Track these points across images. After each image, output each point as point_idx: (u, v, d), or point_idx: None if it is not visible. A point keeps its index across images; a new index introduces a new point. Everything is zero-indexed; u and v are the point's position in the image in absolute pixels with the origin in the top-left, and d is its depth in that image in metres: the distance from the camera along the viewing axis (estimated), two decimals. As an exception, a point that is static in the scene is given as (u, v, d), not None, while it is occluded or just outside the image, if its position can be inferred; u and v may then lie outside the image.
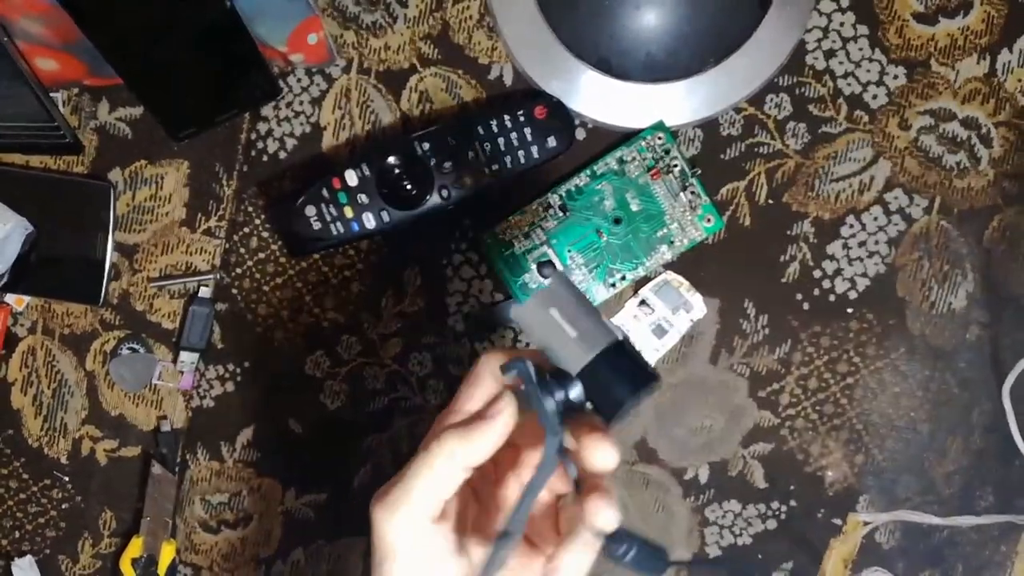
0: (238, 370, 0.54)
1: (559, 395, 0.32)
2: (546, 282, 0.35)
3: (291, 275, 0.54)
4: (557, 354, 0.34)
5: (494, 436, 0.32)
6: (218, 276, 0.54)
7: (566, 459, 0.33)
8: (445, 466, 0.32)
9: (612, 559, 0.33)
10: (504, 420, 0.32)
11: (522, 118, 0.50)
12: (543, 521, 0.35)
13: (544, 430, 0.32)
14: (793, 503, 0.54)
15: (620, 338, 0.34)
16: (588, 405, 0.34)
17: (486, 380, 0.34)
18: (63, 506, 0.56)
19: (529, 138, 0.50)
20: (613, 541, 0.33)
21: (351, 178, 0.50)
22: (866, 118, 0.52)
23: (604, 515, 0.31)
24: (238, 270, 0.54)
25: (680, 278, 0.53)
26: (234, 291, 0.54)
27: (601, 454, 0.32)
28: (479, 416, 0.32)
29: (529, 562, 0.34)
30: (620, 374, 0.33)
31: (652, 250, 0.52)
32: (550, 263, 0.35)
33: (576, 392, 0.33)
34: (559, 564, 0.32)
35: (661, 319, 0.53)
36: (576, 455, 0.33)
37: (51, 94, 0.52)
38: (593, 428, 0.32)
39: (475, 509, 0.36)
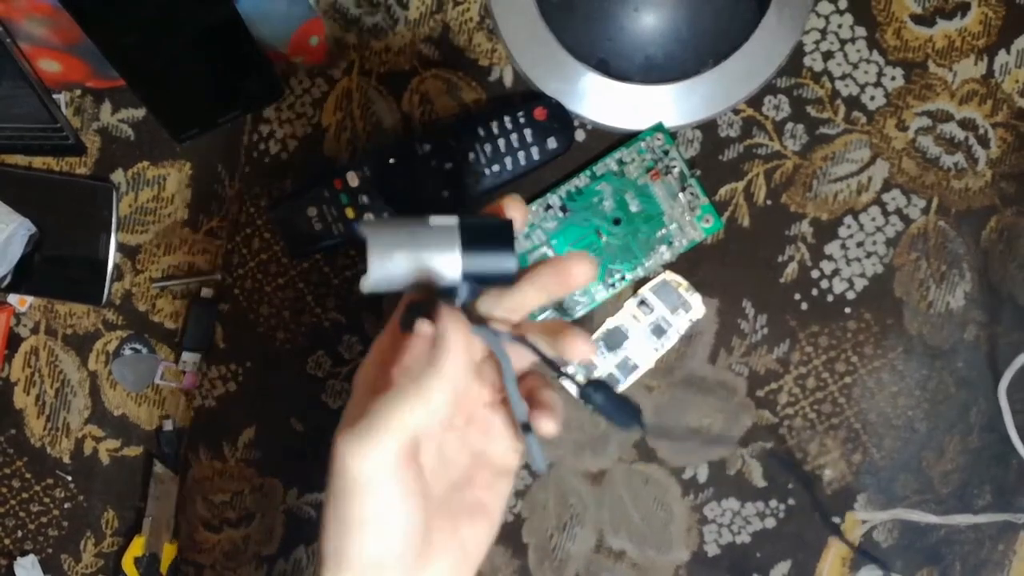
0: (240, 370, 0.55)
1: (459, 303, 0.33)
2: (366, 229, 0.34)
3: (293, 275, 0.54)
4: (431, 278, 0.33)
5: (457, 362, 0.32)
6: (220, 276, 0.54)
7: (510, 338, 0.34)
8: (416, 400, 0.31)
9: (586, 402, 0.35)
10: (458, 341, 0.32)
11: (522, 119, 0.51)
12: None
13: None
14: (791, 501, 0.54)
15: (457, 223, 0.34)
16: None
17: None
18: (66, 505, 0.56)
19: (529, 139, 0.51)
20: (591, 388, 0.35)
21: (352, 179, 0.50)
22: (864, 119, 0.52)
23: (578, 346, 0.33)
24: (240, 270, 0.54)
25: (679, 278, 0.53)
26: (236, 291, 0.54)
27: (577, 348, 0.34)
28: (437, 347, 0.32)
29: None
30: (490, 248, 0.34)
31: (651, 250, 0.52)
32: (353, 226, 0.34)
33: (465, 292, 0.33)
34: (538, 401, 0.35)
35: (660, 319, 0.53)
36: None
37: (54, 96, 0.52)
38: (564, 335, 0.34)
39: None
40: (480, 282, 0.34)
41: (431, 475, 0.35)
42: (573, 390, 0.37)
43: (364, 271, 0.33)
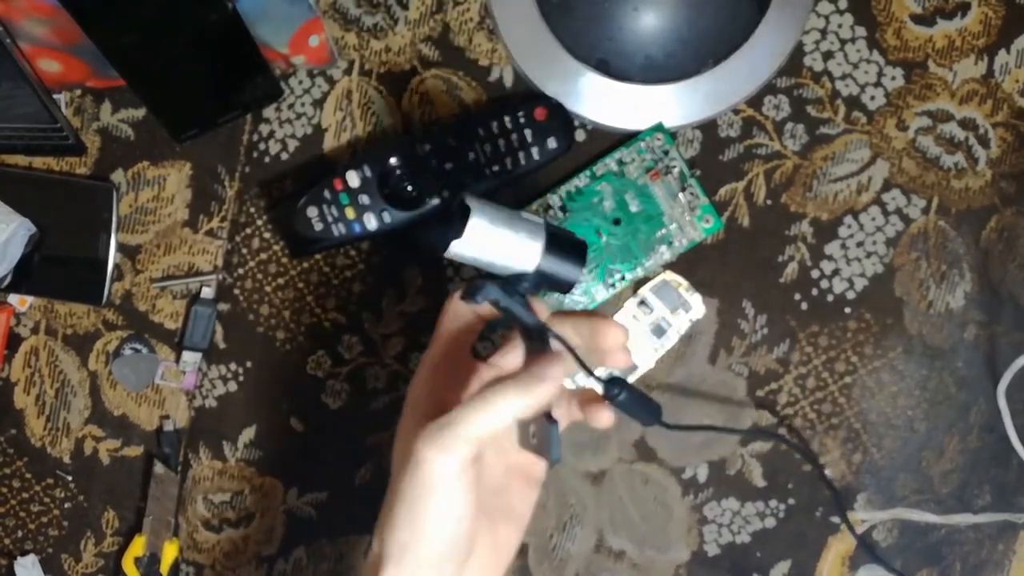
0: (240, 370, 0.55)
1: (523, 287, 0.37)
2: (472, 202, 0.37)
3: (293, 275, 0.54)
4: (506, 264, 0.38)
5: (548, 395, 0.34)
6: (220, 276, 0.54)
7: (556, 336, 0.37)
8: (500, 413, 0.34)
9: (608, 399, 0.38)
10: (557, 381, 0.35)
11: (522, 119, 0.50)
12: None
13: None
14: (791, 501, 0.54)
15: (544, 223, 0.38)
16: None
17: (463, 312, 0.39)
18: (66, 505, 0.56)
19: (529, 139, 0.51)
20: (612, 385, 0.38)
21: (352, 179, 0.50)
22: (864, 119, 0.52)
23: (615, 335, 0.37)
24: (240, 270, 0.54)
25: (679, 278, 0.53)
26: (236, 291, 0.54)
27: (613, 337, 0.38)
28: (536, 376, 0.35)
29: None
30: (565, 256, 0.38)
31: (651, 250, 0.52)
32: (460, 197, 0.38)
33: (528, 285, 0.37)
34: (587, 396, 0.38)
35: (660, 319, 0.53)
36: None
37: (54, 96, 0.52)
38: (601, 324, 0.38)
39: None
40: (544, 281, 0.37)
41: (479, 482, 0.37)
42: (598, 388, 0.39)
43: (455, 236, 0.37)
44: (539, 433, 0.36)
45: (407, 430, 0.38)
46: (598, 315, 0.39)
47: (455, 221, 0.37)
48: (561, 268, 0.38)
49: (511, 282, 0.37)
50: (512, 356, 0.40)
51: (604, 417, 0.38)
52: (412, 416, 0.39)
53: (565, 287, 0.38)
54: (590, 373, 0.38)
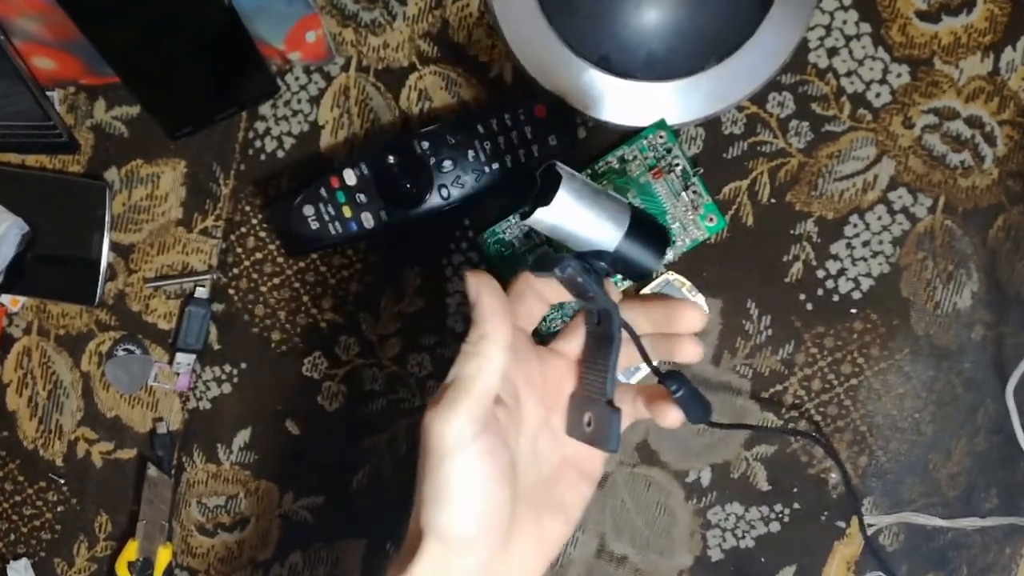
0: (235, 371, 0.54)
1: (599, 270, 0.36)
2: (563, 171, 0.37)
3: (289, 275, 0.53)
4: (587, 240, 0.36)
5: (509, 330, 0.35)
6: (215, 276, 0.54)
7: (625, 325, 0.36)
8: (489, 360, 0.34)
9: (670, 390, 0.37)
10: (508, 314, 0.35)
11: (522, 117, 0.50)
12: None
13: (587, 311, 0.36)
14: (796, 505, 0.53)
15: (631, 206, 0.37)
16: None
17: (528, 296, 0.38)
18: (58, 509, 0.55)
19: (529, 137, 0.50)
20: (671, 379, 0.37)
21: (349, 177, 0.50)
22: (869, 117, 0.52)
23: (692, 348, 0.38)
24: (235, 270, 0.54)
25: (682, 278, 0.52)
26: (231, 291, 0.54)
27: (690, 319, 0.38)
28: (487, 313, 0.35)
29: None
30: (645, 243, 0.37)
31: (654, 250, 0.52)
32: (550, 163, 0.37)
33: (602, 265, 0.36)
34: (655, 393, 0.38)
35: (663, 319, 0.52)
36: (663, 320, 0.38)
37: (47, 93, 0.52)
38: (678, 306, 0.38)
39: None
40: (619, 264, 0.36)
41: (524, 468, 0.38)
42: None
43: (542, 203, 0.36)
44: (598, 420, 0.35)
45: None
46: (673, 299, 0.38)
47: (544, 188, 0.36)
48: (640, 254, 0.37)
49: (589, 258, 0.36)
50: (576, 341, 0.39)
51: (672, 416, 0.37)
52: None
53: (640, 274, 0.38)
54: (651, 365, 0.37)
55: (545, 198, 0.36)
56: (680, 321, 0.38)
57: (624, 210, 0.37)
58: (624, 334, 0.36)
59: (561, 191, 0.36)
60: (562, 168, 0.37)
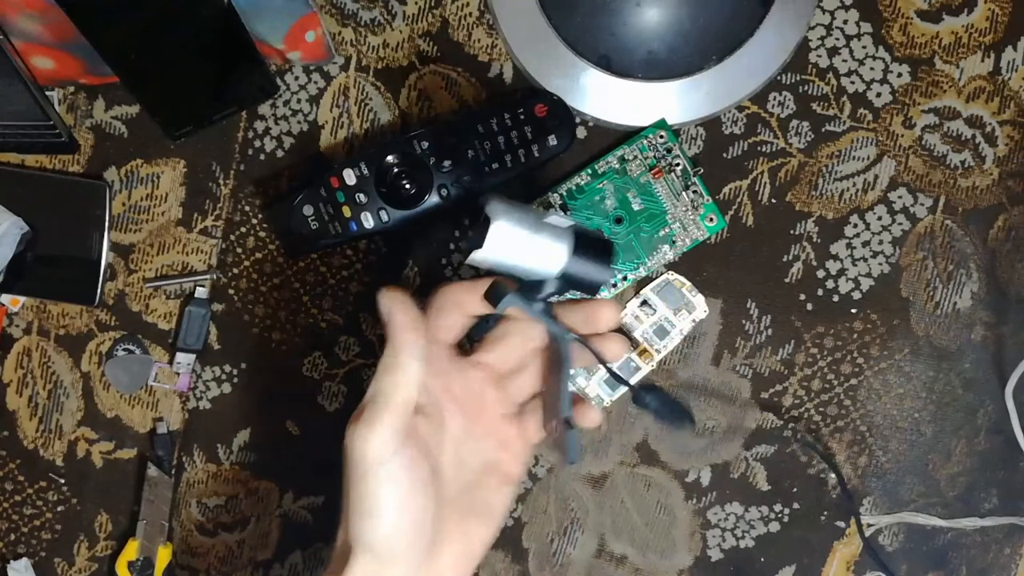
0: (235, 371, 0.54)
1: (541, 299, 0.37)
2: (494, 209, 0.37)
3: (289, 275, 0.53)
4: (530, 269, 0.37)
5: (421, 344, 0.36)
6: (215, 276, 0.54)
7: (580, 343, 0.38)
8: (406, 371, 0.35)
9: (639, 407, 0.39)
10: (420, 327, 0.36)
11: (522, 116, 0.50)
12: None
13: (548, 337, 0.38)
14: (796, 505, 0.53)
15: (573, 226, 0.38)
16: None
17: (447, 311, 0.39)
18: (59, 508, 0.55)
19: (529, 136, 0.50)
20: (641, 391, 0.39)
21: (349, 177, 0.50)
22: (870, 116, 0.52)
23: (614, 347, 0.39)
24: (235, 270, 0.53)
25: (682, 278, 0.52)
26: (231, 291, 0.54)
27: (608, 316, 0.39)
28: (400, 327, 0.36)
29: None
30: (592, 258, 0.37)
31: (654, 250, 0.51)
32: (483, 200, 0.37)
33: (552, 288, 0.37)
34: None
35: (663, 320, 0.52)
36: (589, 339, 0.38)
37: (47, 93, 0.52)
38: (594, 306, 0.39)
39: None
40: (571, 284, 0.37)
41: (448, 476, 0.39)
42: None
43: (475, 246, 0.36)
44: (560, 434, 0.36)
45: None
46: (588, 300, 0.39)
47: (478, 229, 0.37)
48: (588, 270, 0.37)
49: (530, 288, 0.37)
50: (496, 352, 0.41)
51: (590, 416, 0.39)
52: None
53: (592, 289, 0.38)
54: (620, 379, 0.39)
55: (479, 240, 0.36)
56: (599, 319, 0.39)
57: (565, 233, 0.37)
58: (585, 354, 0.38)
59: (493, 231, 0.36)
60: (495, 204, 0.36)
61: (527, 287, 0.37)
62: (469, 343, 0.41)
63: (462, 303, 0.39)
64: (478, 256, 0.37)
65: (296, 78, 0.52)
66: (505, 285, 0.36)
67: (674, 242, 0.51)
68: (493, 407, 0.41)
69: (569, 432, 0.36)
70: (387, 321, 0.36)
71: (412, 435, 0.36)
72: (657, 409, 0.39)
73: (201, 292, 0.53)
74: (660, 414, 0.39)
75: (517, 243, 0.36)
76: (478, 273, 0.50)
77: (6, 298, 0.54)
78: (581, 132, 0.52)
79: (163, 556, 0.54)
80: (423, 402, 0.37)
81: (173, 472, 0.54)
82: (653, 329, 0.52)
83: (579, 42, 0.50)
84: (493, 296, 0.36)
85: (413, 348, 0.36)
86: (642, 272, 0.52)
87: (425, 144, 0.49)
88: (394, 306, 0.36)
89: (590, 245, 0.38)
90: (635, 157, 0.51)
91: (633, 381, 0.52)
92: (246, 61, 0.49)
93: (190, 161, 0.53)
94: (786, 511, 0.53)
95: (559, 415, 0.37)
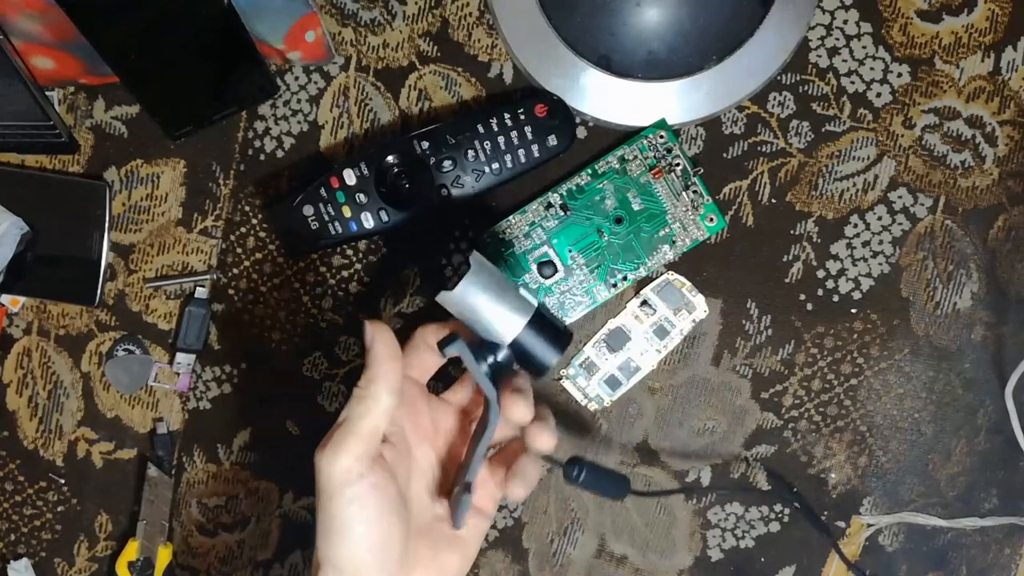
0: (235, 371, 0.54)
1: (490, 360, 0.39)
2: (476, 260, 0.40)
3: (289, 275, 0.53)
4: (487, 328, 0.40)
5: (392, 366, 0.38)
6: (215, 276, 0.54)
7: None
8: (376, 403, 0.37)
9: (569, 482, 0.41)
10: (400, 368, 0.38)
11: (522, 116, 0.50)
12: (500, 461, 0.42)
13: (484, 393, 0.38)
14: (796, 505, 0.53)
15: (537, 305, 0.40)
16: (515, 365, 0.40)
17: (422, 350, 0.42)
18: (59, 508, 0.55)
19: (529, 136, 0.50)
20: (568, 466, 0.41)
21: (349, 177, 0.50)
22: (870, 116, 0.52)
23: (542, 438, 0.39)
24: (235, 270, 0.53)
25: (682, 278, 0.52)
26: (231, 292, 0.54)
27: (519, 411, 0.38)
28: (378, 358, 0.38)
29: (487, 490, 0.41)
30: (545, 339, 0.40)
31: (654, 250, 0.51)
32: (470, 248, 0.41)
33: (503, 356, 0.39)
34: (514, 470, 0.39)
35: (663, 320, 0.52)
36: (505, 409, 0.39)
37: (47, 93, 0.52)
38: (515, 390, 0.39)
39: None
40: (519, 356, 0.39)
41: (419, 507, 0.40)
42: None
43: (448, 287, 0.39)
44: (456, 496, 0.38)
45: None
46: (515, 391, 0.39)
47: (454, 273, 0.39)
48: (537, 348, 0.40)
49: (484, 346, 0.39)
50: (464, 393, 0.43)
51: (514, 492, 0.40)
52: None
53: (536, 369, 0.40)
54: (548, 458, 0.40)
55: (451, 284, 0.39)
56: (511, 411, 0.39)
57: (528, 308, 0.40)
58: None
59: (465, 282, 0.39)
60: (478, 257, 0.40)
61: (483, 345, 0.39)
62: (441, 386, 0.42)
63: (434, 345, 0.41)
64: (445, 297, 0.39)
65: (296, 78, 0.52)
66: (460, 335, 0.38)
67: (674, 242, 0.51)
68: (462, 444, 0.42)
69: (464, 497, 0.38)
70: (368, 349, 0.38)
71: (379, 461, 0.37)
72: (586, 482, 0.41)
73: (201, 292, 0.53)
74: (592, 487, 0.41)
75: (482, 298, 0.39)
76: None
77: (6, 298, 0.54)
78: (581, 132, 0.52)
79: (163, 556, 0.54)
80: (390, 431, 0.39)
81: (173, 472, 0.54)
82: (653, 329, 0.52)
83: (579, 42, 0.50)
84: (443, 340, 0.38)
85: (388, 379, 0.37)
86: (642, 272, 0.52)
87: (425, 144, 0.49)
88: (376, 336, 0.38)
89: (546, 326, 0.40)
90: (635, 157, 0.51)
91: (633, 381, 0.52)
92: (246, 61, 0.49)
93: (190, 161, 0.53)
94: (786, 511, 0.53)
95: (462, 478, 0.39)
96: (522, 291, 0.41)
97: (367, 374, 0.37)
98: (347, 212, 0.50)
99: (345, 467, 0.36)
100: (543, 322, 0.40)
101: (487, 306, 0.39)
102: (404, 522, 0.38)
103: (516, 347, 0.39)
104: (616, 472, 0.42)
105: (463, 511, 0.38)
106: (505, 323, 0.39)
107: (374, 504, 0.36)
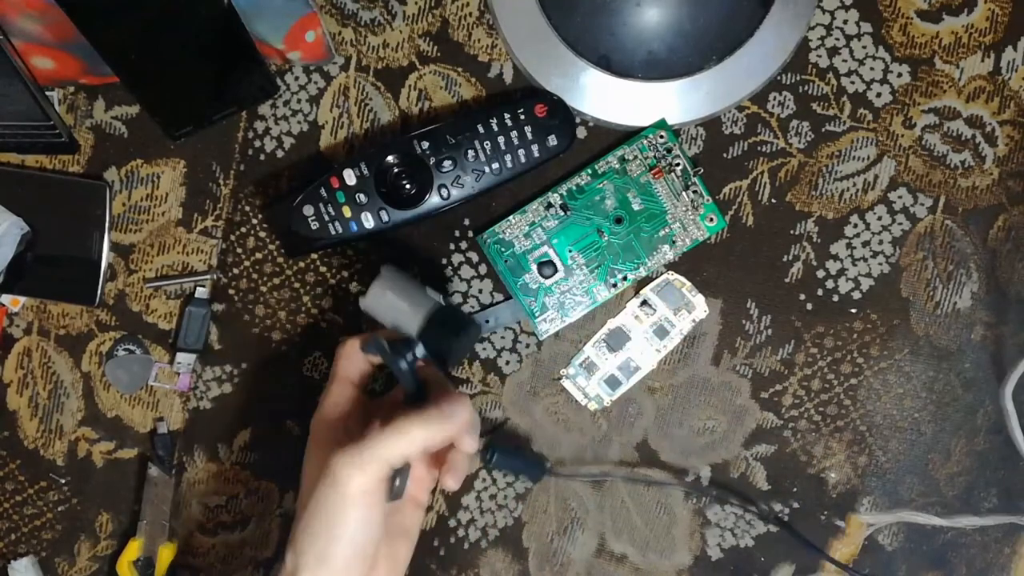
0: (235, 371, 0.54)
1: (409, 356, 0.43)
2: (385, 271, 0.46)
3: (289, 275, 0.53)
4: (401, 326, 0.45)
5: (452, 430, 0.42)
6: (215, 276, 0.54)
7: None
8: (413, 442, 0.40)
9: (485, 465, 0.48)
10: (462, 419, 0.42)
11: (522, 116, 0.50)
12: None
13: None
14: (795, 504, 0.53)
15: (440, 302, 0.46)
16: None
17: (356, 357, 0.46)
18: (60, 508, 0.55)
19: (529, 136, 0.50)
20: (483, 451, 0.47)
21: (349, 177, 0.50)
22: (870, 116, 0.52)
23: (464, 441, 0.43)
24: (235, 270, 0.53)
25: (682, 278, 0.52)
26: (231, 292, 0.54)
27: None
28: (445, 413, 0.41)
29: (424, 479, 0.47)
30: (445, 329, 0.44)
31: (654, 250, 0.51)
32: (386, 265, 0.47)
33: (420, 351, 0.43)
34: (449, 463, 0.44)
35: (663, 319, 0.52)
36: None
37: (47, 93, 0.52)
38: (440, 386, 0.44)
39: None
40: (430, 353, 0.43)
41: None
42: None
43: (361, 295, 0.46)
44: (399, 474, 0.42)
45: (316, 455, 0.44)
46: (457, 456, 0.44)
47: (369, 284, 0.46)
48: (435, 343, 0.44)
49: (401, 343, 0.43)
50: (353, 376, 0.47)
51: (448, 481, 0.44)
52: (318, 444, 0.45)
53: (439, 362, 0.44)
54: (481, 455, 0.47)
55: (364, 291, 0.46)
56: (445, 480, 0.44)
57: (429, 305, 0.45)
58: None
59: (373, 289, 0.45)
60: (387, 269, 0.46)
61: (403, 343, 0.43)
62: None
63: (359, 351, 0.46)
64: (361, 303, 0.46)
65: (296, 78, 0.52)
66: (380, 338, 0.43)
67: (674, 242, 0.51)
68: None
69: (400, 473, 0.41)
70: (450, 410, 0.42)
71: (387, 478, 0.41)
72: (502, 464, 0.47)
73: (201, 292, 0.53)
74: (509, 468, 0.47)
75: (389, 301, 0.45)
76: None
77: (6, 298, 0.54)
78: (581, 132, 0.52)
79: (165, 555, 0.54)
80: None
81: (174, 472, 0.54)
82: (653, 329, 0.52)
83: (579, 42, 0.50)
84: (364, 343, 0.44)
85: (429, 428, 0.41)
86: (642, 272, 0.52)
87: (425, 144, 0.49)
88: (461, 406, 0.42)
89: (446, 321, 0.44)
90: (635, 157, 0.51)
91: (632, 381, 0.52)
92: (246, 61, 0.49)
93: (190, 161, 0.53)
94: (786, 510, 0.53)
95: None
96: (429, 291, 0.46)
97: (427, 416, 0.41)
98: (347, 212, 0.50)
99: (363, 485, 0.39)
100: (442, 318, 0.44)
101: (396, 307, 0.45)
102: (384, 524, 0.41)
103: (424, 341, 0.44)
104: (536, 454, 0.48)
105: (398, 487, 0.41)
106: (410, 320, 0.44)
107: (375, 514, 0.40)
